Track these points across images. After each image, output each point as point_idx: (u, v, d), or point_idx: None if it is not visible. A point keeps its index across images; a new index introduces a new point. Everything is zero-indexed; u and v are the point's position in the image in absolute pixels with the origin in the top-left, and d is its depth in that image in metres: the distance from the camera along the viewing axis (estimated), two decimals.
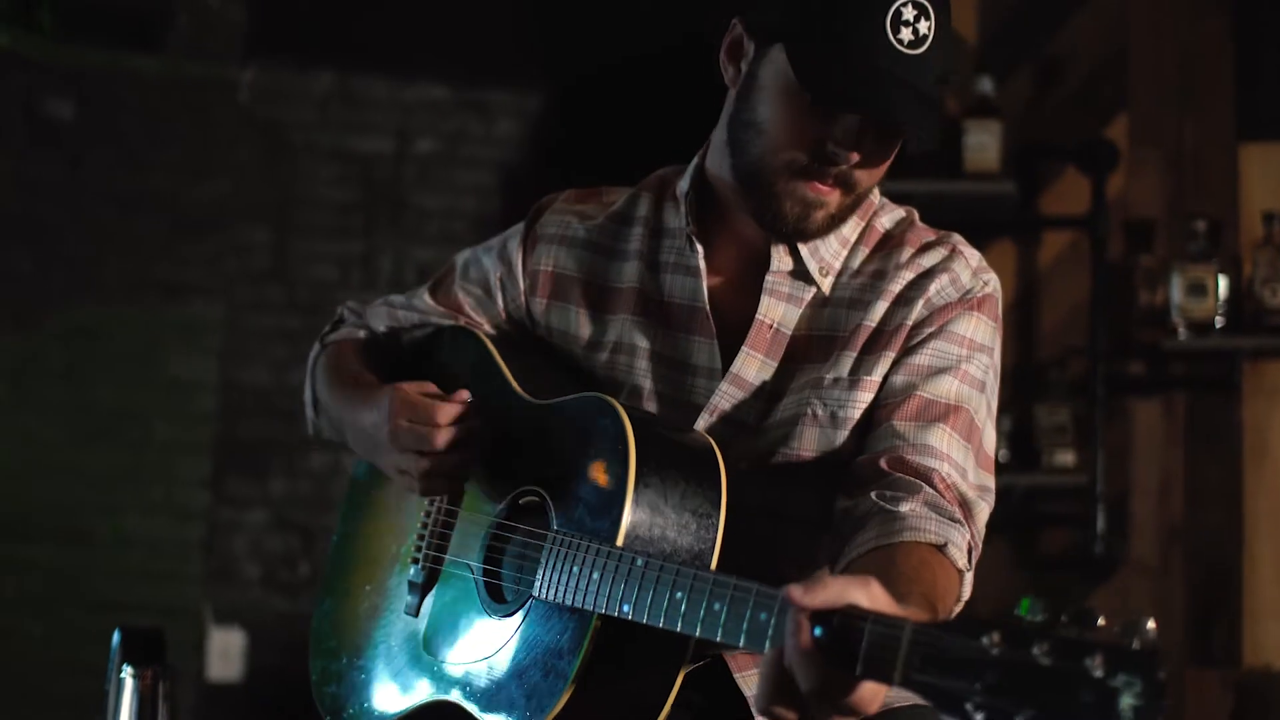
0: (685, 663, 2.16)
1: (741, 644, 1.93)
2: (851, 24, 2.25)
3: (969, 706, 1.59)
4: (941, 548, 2.17)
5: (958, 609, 2.19)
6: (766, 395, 2.38)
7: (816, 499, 2.33)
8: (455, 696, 2.32)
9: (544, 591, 2.20)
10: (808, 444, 2.34)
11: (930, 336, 2.35)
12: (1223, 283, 5.14)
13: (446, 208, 6.61)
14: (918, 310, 2.36)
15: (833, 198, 2.31)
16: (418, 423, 2.34)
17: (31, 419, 6.25)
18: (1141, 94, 5.40)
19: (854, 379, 2.35)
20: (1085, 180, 5.32)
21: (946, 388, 2.33)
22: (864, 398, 2.35)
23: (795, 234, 2.37)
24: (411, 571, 2.45)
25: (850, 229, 2.42)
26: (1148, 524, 5.27)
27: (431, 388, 2.39)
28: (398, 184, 6.61)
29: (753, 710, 2.12)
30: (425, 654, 2.40)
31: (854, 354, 2.36)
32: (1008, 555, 5.12)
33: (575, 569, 2.16)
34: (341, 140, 6.59)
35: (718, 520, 2.20)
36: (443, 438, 2.32)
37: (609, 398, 2.29)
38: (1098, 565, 5.22)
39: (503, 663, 2.26)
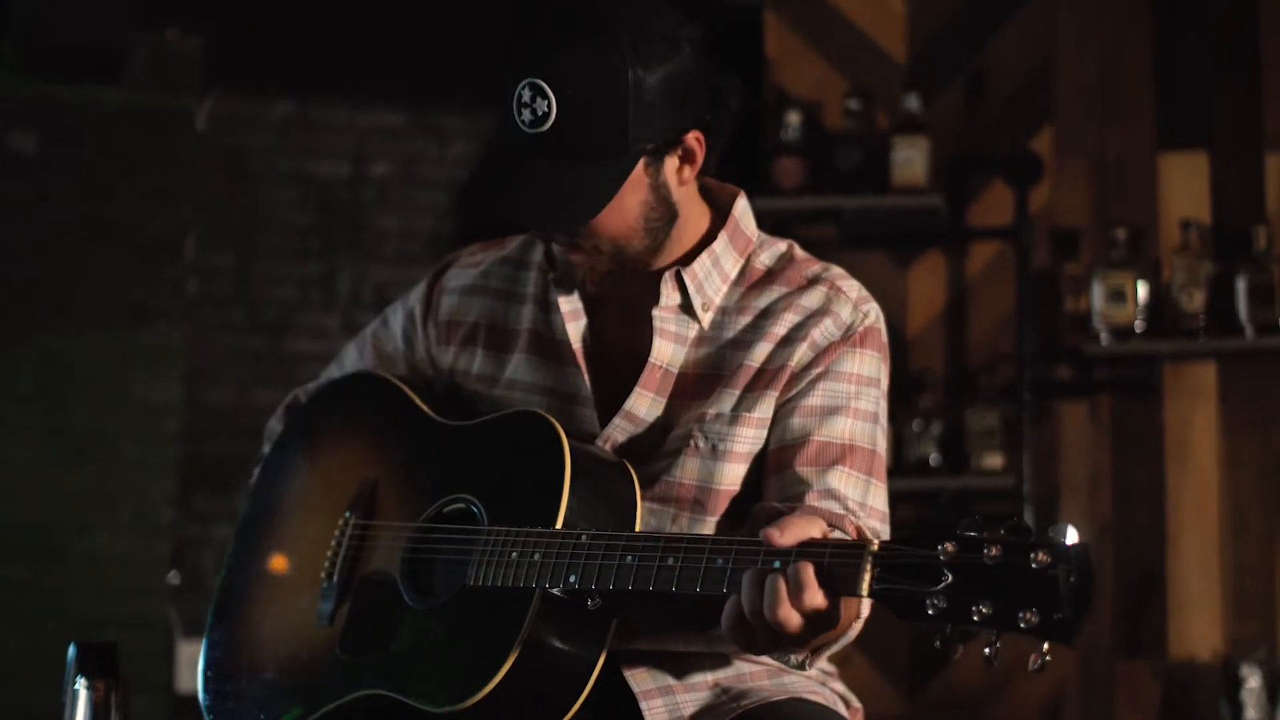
0: (607, 643, 2.29)
1: (699, 589, 2.11)
2: (501, 121, 2.40)
3: (929, 606, 1.88)
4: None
5: (858, 625, 2.30)
6: (656, 429, 2.47)
7: (700, 527, 2.45)
8: (382, 688, 2.37)
9: (479, 579, 2.30)
10: (689, 474, 2.43)
11: (819, 378, 2.44)
12: (1142, 289, 5.24)
13: (403, 228, 6.72)
14: (801, 351, 2.45)
15: (578, 256, 2.45)
16: None
17: (3, 441, 6.31)
18: (1065, 107, 5.51)
19: (735, 415, 2.44)
20: (1011, 192, 5.45)
21: (841, 428, 2.42)
22: (744, 433, 2.44)
23: (588, 285, 2.50)
24: (324, 586, 2.52)
25: (731, 265, 2.51)
26: (1076, 522, 5.27)
27: None
28: (355, 206, 6.72)
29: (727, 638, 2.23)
30: (342, 655, 2.46)
31: (736, 391, 2.45)
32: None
33: (514, 554, 2.27)
34: (300, 165, 6.70)
35: (635, 515, 2.34)
36: None
37: (535, 409, 2.42)
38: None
39: (434, 647, 2.34)
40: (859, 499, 2.40)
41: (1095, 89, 5.52)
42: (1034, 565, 1.85)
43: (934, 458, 5.31)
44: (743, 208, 2.56)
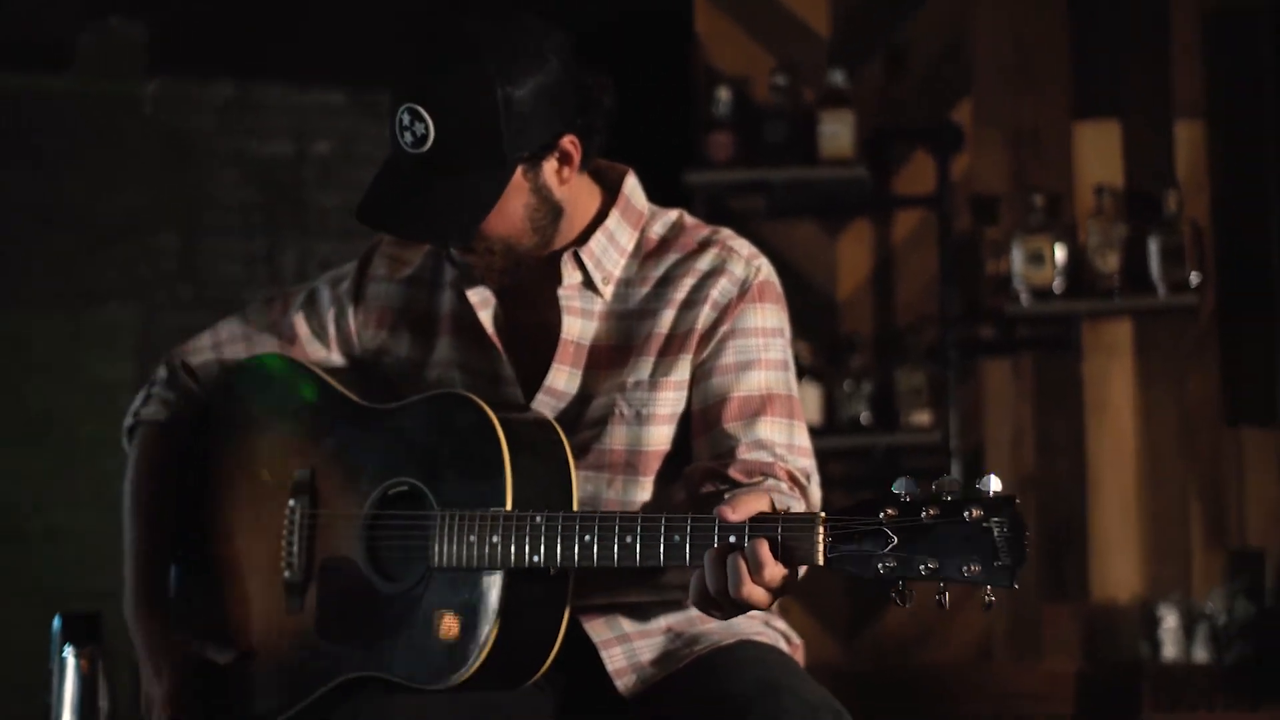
0: (568, 601, 2.42)
1: (662, 562, 2.27)
2: (390, 142, 2.52)
3: (880, 567, 2.06)
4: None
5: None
6: (578, 399, 2.59)
7: (635, 488, 2.58)
8: (370, 670, 2.48)
9: (442, 560, 2.41)
10: (618, 440, 2.56)
11: (728, 336, 2.57)
12: (1060, 251, 5.34)
13: (345, 204, 6.55)
14: (705, 313, 2.58)
15: (471, 257, 2.57)
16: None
17: None
18: (983, 80, 5.59)
19: (653, 380, 2.57)
20: (933, 161, 5.53)
21: (757, 381, 2.56)
22: (664, 396, 2.57)
23: (489, 281, 2.62)
24: (286, 575, 2.61)
25: (626, 239, 2.63)
26: (1001, 474, 5.31)
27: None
28: (298, 184, 6.69)
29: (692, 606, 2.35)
30: (320, 641, 2.55)
31: (651, 358, 2.58)
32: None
33: (472, 537, 2.38)
34: (243, 145, 6.66)
35: (570, 473, 2.46)
36: None
37: (459, 390, 2.53)
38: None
39: (414, 629, 2.44)
40: (785, 441, 2.54)
41: (1011, 62, 5.58)
42: (968, 520, 2.03)
43: (865, 416, 5.39)
44: (632, 185, 2.68)
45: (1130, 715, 5.14)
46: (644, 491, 2.58)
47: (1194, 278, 5.32)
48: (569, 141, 2.54)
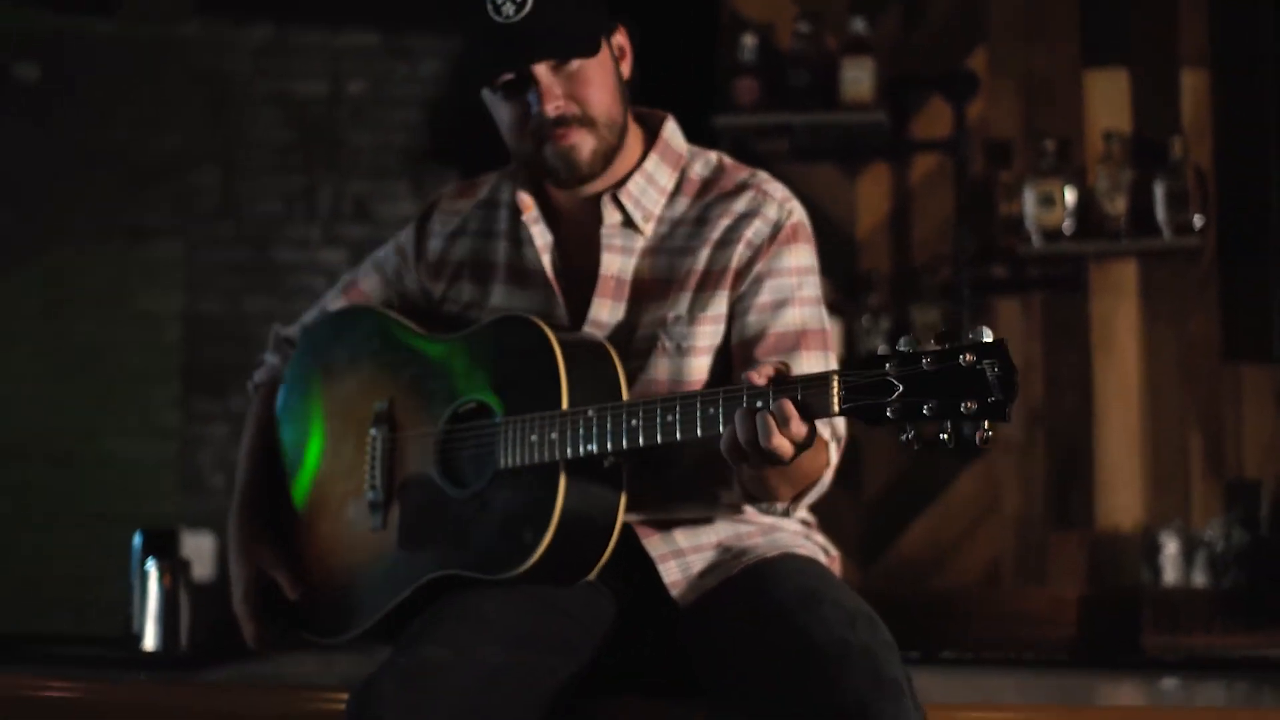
0: (622, 504, 2.59)
1: (699, 434, 2.41)
2: (473, 34, 2.67)
3: (889, 413, 2.25)
4: None
5: (829, 474, 2.60)
6: (622, 330, 2.74)
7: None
8: (448, 569, 2.65)
9: (508, 461, 2.60)
10: (661, 371, 2.71)
11: (763, 275, 2.72)
12: (1070, 195, 5.40)
13: (378, 144, 6.87)
14: (739, 252, 2.72)
15: (576, 137, 2.69)
16: (239, 619, 2.89)
17: (16, 356, 6.56)
18: (997, 28, 5.63)
19: (692, 315, 2.71)
20: (949, 107, 5.61)
21: (792, 317, 2.71)
22: (703, 330, 2.72)
23: (575, 179, 2.73)
24: (370, 497, 2.80)
25: (666, 179, 2.79)
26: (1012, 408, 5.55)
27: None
28: (333, 124, 6.88)
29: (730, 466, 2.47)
30: (402, 551, 2.74)
31: (689, 294, 2.72)
32: (888, 439, 5.18)
33: (533, 437, 2.57)
34: (280, 86, 6.85)
35: (620, 384, 2.63)
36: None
37: (518, 312, 2.72)
38: (969, 445, 5.48)
39: (485, 526, 2.63)
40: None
41: (1024, 12, 5.62)
42: (963, 364, 2.19)
43: (883, 349, 5.42)
44: (671, 129, 2.84)
45: (1131, 637, 5.21)
46: None
47: (1197, 221, 5.36)
48: (623, 34, 2.76)
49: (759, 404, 2.35)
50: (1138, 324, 5.54)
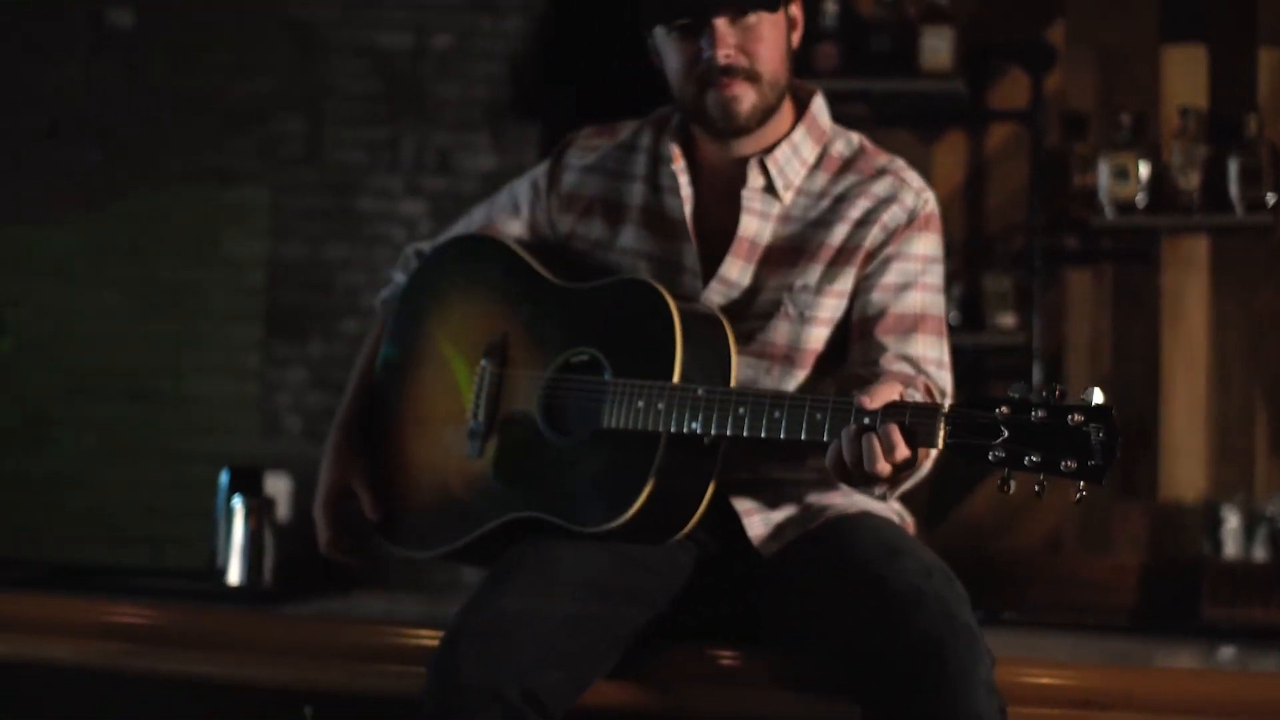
0: (715, 474, 2.65)
1: (804, 437, 2.48)
2: None
3: (990, 456, 2.31)
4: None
5: (928, 464, 2.61)
6: (746, 291, 2.80)
7: (789, 379, 2.79)
8: (535, 511, 2.72)
9: (612, 422, 2.66)
10: (780, 335, 2.78)
11: (892, 258, 2.78)
12: (1144, 168, 5.43)
13: (461, 96, 6.90)
14: (874, 234, 2.78)
15: (739, 89, 2.73)
16: (318, 525, 2.99)
17: (104, 293, 6.68)
18: (1076, 1, 5.69)
19: (819, 286, 2.78)
20: (1026, 78, 5.67)
21: (914, 301, 2.78)
22: (827, 302, 2.78)
23: (732, 130, 2.77)
24: (471, 424, 2.85)
25: (809, 152, 2.83)
26: (1079, 376, 5.56)
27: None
28: (417, 76, 6.91)
29: (833, 476, 2.53)
30: (496, 484, 2.79)
31: (820, 266, 2.78)
32: None
33: (640, 403, 2.63)
34: (366, 37, 6.89)
35: (731, 362, 2.70)
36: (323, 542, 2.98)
37: (645, 277, 2.76)
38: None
39: (580, 476, 2.70)
40: (937, 357, 2.79)
41: None
42: (1071, 424, 2.25)
43: (954, 316, 5.45)
44: (819, 104, 2.90)
45: (1190, 608, 5.28)
46: (796, 383, 2.80)
47: (1270, 198, 5.39)
48: (799, 6, 2.83)
49: (866, 420, 2.41)
50: (1207, 298, 5.57)
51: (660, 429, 2.63)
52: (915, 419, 2.38)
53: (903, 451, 2.38)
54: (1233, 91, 5.56)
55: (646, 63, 2.91)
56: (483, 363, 2.88)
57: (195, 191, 6.77)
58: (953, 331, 5.47)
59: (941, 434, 2.35)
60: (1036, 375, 5.56)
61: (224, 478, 3.87)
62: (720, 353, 2.73)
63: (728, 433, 2.59)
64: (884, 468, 2.40)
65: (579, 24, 6.74)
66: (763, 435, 2.55)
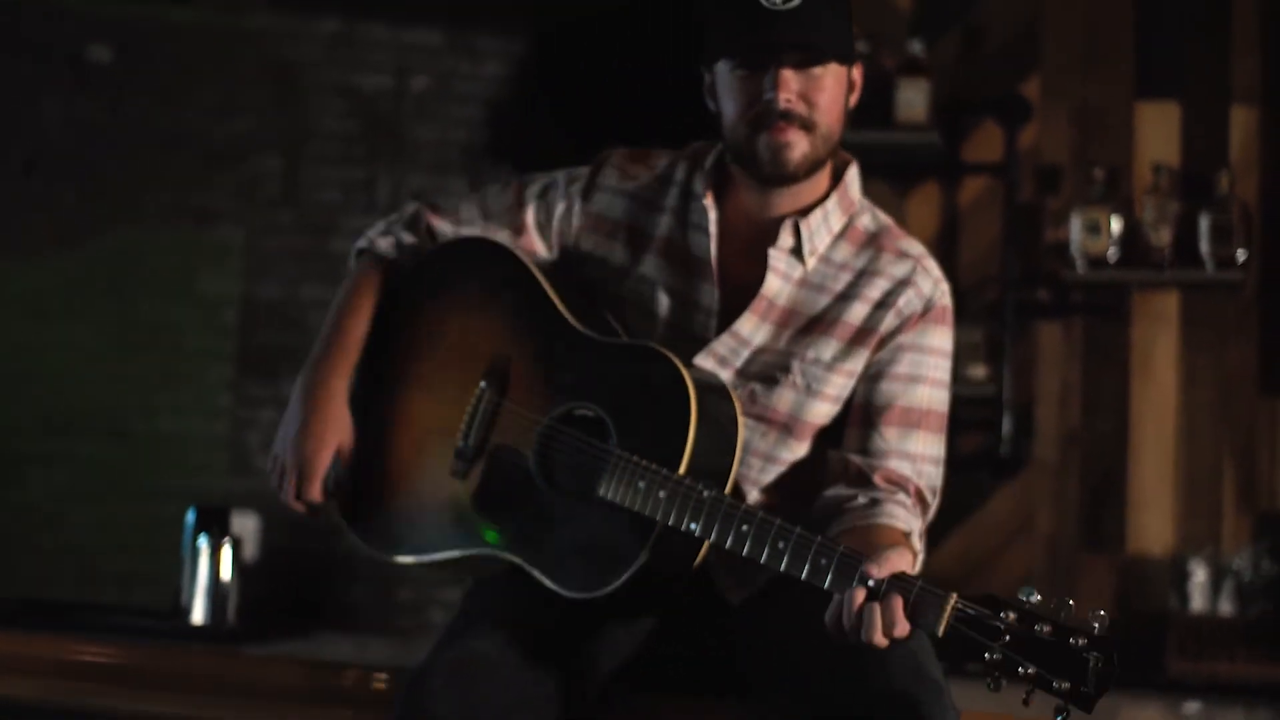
0: (700, 557, 2.59)
1: (803, 577, 2.42)
2: (732, 5, 2.71)
3: (987, 655, 2.29)
4: (907, 535, 2.68)
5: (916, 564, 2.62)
6: (754, 348, 2.78)
7: (784, 448, 2.79)
8: (517, 557, 2.66)
9: (608, 494, 2.58)
10: (784, 403, 2.76)
11: (907, 348, 2.77)
12: (1116, 224, 5.43)
13: (439, 139, 6.89)
14: (889, 319, 2.76)
15: (794, 136, 2.69)
16: (297, 466, 2.78)
17: (79, 330, 6.63)
18: (1052, 56, 5.71)
19: (832, 363, 2.76)
20: (1001, 131, 5.67)
21: (922, 396, 2.77)
22: (837, 380, 2.77)
23: (778, 177, 2.73)
24: (460, 445, 2.76)
25: (837, 222, 2.82)
26: (1049, 429, 5.60)
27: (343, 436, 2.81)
28: (396, 118, 6.89)
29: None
30: (474, 512, 2.72)
31: (836, 343, 2.77)
32: None
33: (641, 484, 2.56)
34: (346, 79, 6.88)
35: (735, 455, 2.64)
36: (298, 494, 2.79)
37: (665, 349, 2.67)
38: (1005, 464, 5.54)
39: (569, 536, 2.63)
40: (934, 455, 2.78)
41: (1079, 42, 5.69)
42: (1072, 644, 2.23)
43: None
44: (853, 174, 2.88)
45: (1156, 662, 5.24)
46: (790, 453, 2.79)
47: (1240, 255, 5.40)
48: (860, 70, 2.81)
49: (871, 585, 2.37)
50: (1177, 353, 5.58)
51: (658, 518, 2.57)
52: (921, 598, 2.34)
53: (903, 628, 2.34)
54: (1205, 149, 5.58)
55: (637, 101, 2.89)
56: (482, 384, 2.81)
57: (171, 230, 6.75)
58: None
59: (945, 620, 2.32)
60: (1006, 427, 5.56)
61: (190, 517, 3.89)
62: (728, 442, 2.67)
63: (726, 546, 2.53)
64: (880, 640, 2.36)
65: (556, 70, 6.77)
66: (760, 561, 2.49)
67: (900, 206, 5.74)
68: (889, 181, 5.76)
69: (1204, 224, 5.44)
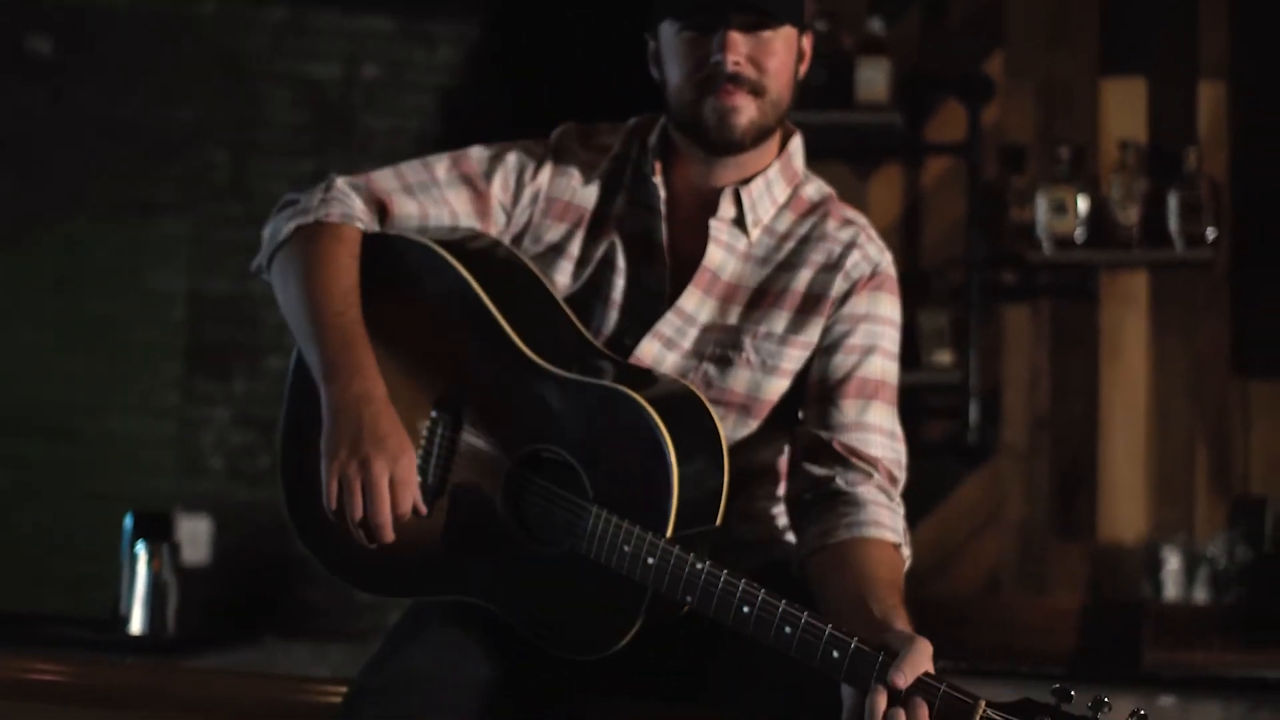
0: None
1: (813, 667, 2.30)
2: None
3: None
4: (897, 547, 2.62)
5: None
6: (700, 326, 2.71)
7: (743, 429, 2.72)
8: (502, 612, 2.54)
9: (591, 553, 2.46)
10: (740, 383, 2.70)
11: (860, 318, 2.70)
12: (1083, 202, 5.41)
13: (391, 128, 6.79)
14: (838, 283, 2.70)
15: (741, 101, 2.63)
16: (369, 497, 2.49)
17: (23, 327, 6.53)
18: (1016, 33, 5.66)
19: (784, 336, 2.70)
20: (964, 110, 5.63)
21: (876, 366, 2.69)
22: (791, 353, 2.71)
23: (724, 142, 2.67)
24: (418, 477, 2.55)
25: (780, 192, 2.76)
26: (1017, 415, 5.55)
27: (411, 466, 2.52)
28: (347, 107, 6.79)
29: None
30: (444, 554, 2.59)
31: (786, 314, 2.71)
32: None
33: (627, 548, 2.44)
34: (295, 67, 6.78)
35: (721, 496, 2.56)
36: (381, 532, 2.51)
37: (636, 395, 2.50)
38: (973, 452, 5.51)
39: (556, 594, 2.52)
40: (890, 428, 2.70)
41: (1043, 17, 5.65)
42: None
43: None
44: (797, 145, 2.82)
45: (1130, 650, 5.22)
46: (749, 434, 2.73)
47: (1210, 233, 5.38)
48: (810, 40, 2.75)
49: (891, 678, 2.25)
50: (1147, 335, 5.56)
51: (649, 586, 2.45)
52: (947, 703, 2.23)
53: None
54: (1173, 125, 5.57)
55: (607, 75, 2.79)
56: (434, 414, 2.64)
57: (116, 223, 6.65)
58: None
59: None
60: (973, 413, 5.53)
61: (128, 522, 3.77)
62: (715, 486, 2.56)
63: (728, 623, 2.40)
64: None
65: (510, 56, 6.68)
66: (767, 644, 2.37)
67: (862, 188, 5.69)
68: (850, 163, 5.72)
69: (1173, 202, 5.42)
